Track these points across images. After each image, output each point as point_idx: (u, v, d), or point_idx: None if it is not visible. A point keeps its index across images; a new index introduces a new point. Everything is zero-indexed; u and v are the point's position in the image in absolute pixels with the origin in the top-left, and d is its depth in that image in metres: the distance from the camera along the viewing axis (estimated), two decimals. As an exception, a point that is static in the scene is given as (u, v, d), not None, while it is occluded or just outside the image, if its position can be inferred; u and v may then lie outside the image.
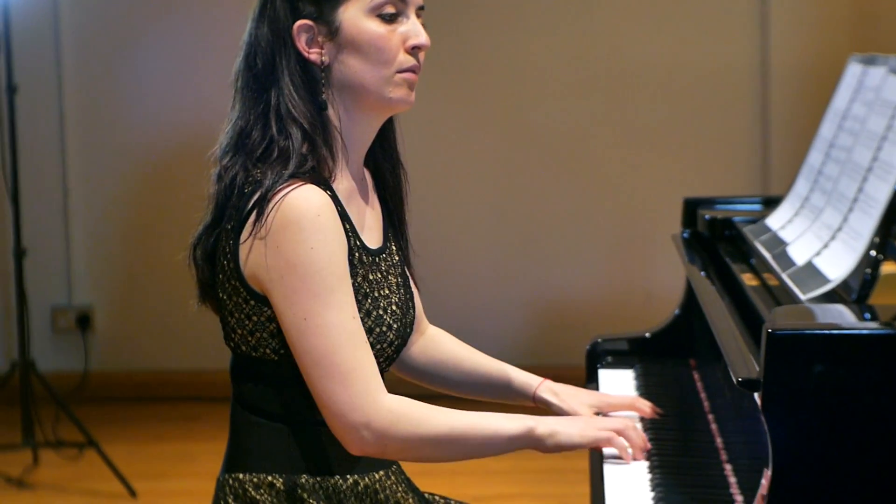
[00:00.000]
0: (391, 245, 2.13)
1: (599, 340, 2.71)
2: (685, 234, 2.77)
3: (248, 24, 2.04)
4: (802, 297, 1.95)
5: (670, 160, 5.03)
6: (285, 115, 1.97)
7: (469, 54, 5.01)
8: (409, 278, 2.16)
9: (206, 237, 2.02)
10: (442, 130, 5.04)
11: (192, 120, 4.74)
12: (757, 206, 2.83)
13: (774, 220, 2.44)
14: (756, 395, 1.71)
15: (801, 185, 2.44)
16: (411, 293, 2.15)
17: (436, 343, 2.33)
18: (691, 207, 2.77)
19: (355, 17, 1.98)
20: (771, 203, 2.69)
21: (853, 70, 2.41)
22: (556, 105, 5.03)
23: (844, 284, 1.95)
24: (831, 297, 1.95)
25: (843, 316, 1.80)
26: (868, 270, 1.89)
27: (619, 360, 2.70)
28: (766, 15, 4.94)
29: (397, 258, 2.13)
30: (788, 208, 2.43)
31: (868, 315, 1.83)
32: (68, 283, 5.14)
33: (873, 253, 1.90)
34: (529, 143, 5.05)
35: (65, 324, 5.16)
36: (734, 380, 1.75)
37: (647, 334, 2.70)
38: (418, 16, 2.04)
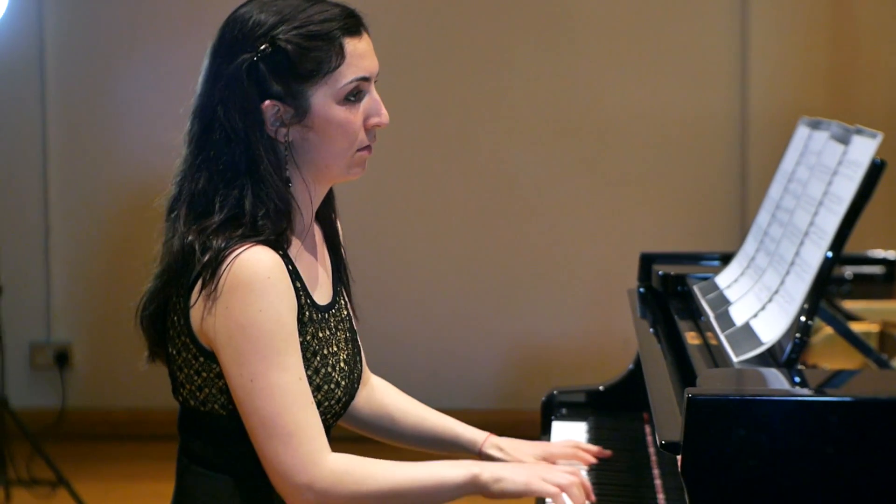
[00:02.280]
0: (340, 299, 2.17)
1: (555, 392, 2.73)
2: (641, 290, 2.80)
3: (201, 83, 2.05)
4: (735, 358, 1.98)
5: (647, 210, 5.05)
6: (252, 188, 1.98)
7: (447, 98, 5.04)
8: (357, 334, 2.19)
9: (154, 297, 2.04)
10: (417, 174, 5.07)
11: (173, 160, 4.76)
12: (715, 262, 2.86)
13: (723, 279, 2.47)
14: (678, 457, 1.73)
15: (749, 245, 2.47)
16: (359, 347, 2.19)
17: (380, 395, 2.36)
18: (647, 262, 2.81)
19: (324, 103, 2.01)
20: (728, 259, 2.72)
21: (801, 133, 2.44)
22: (533, 152, 5.06)
23: (778, 347, 1.98)
24: (764, 359, 1.98)
25: (767, 381, 1.83)
26: (797, 335, 1.92)
27: (574, 412, 2.72)
28: (746, 66, 4.98)
29: (345, 312, 2.17)
30: (736, 267, 2.46)
31: (797, 379, 1.86)
32: (47, 319, 5.17)
33: (803, 318, 1.92)
34: (506, 189, 5.08)
35: (43, 360, 5.18)
36: (658, 442, 1.77)
37: (601, 387, 2.73)
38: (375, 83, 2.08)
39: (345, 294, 2.20)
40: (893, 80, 4.93)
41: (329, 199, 2.19)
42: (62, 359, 5.15)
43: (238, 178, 1.99)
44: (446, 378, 5.05)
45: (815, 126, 2.37)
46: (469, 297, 5.12)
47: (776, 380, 1.84)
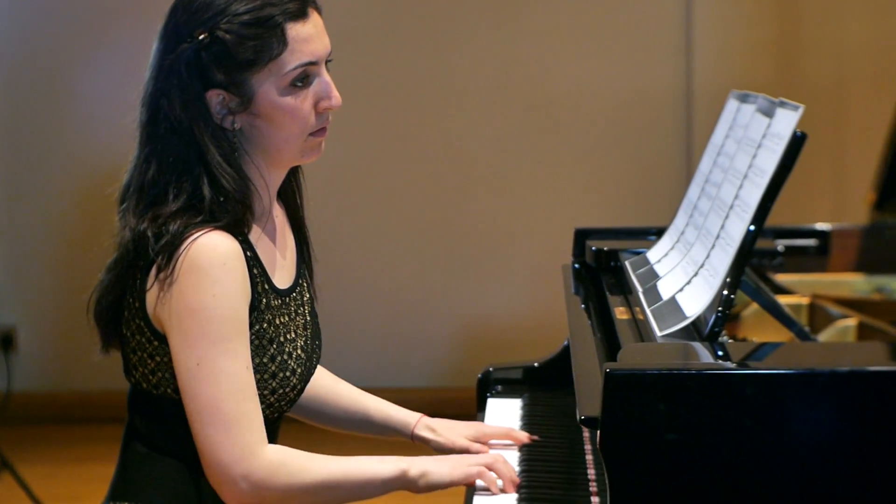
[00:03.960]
0: (303, 281, 2.16)
1: (490, 369, 2.72)
2: (575, 265, 2.79)
3: (149, 70, 2.02)
4: (658, 333, 1.98)
5: (594, 185, 5.06)
6: (207, 177, 1.97)
7: (393, 74, 5.03)
8: (317, 315, 2.18)
9: (109, 290, 2.02)
10: (362, 151, 5.05)
11: (125, 145, 4.73)
12: (652, 237, 2.86)
13: (653, 254, 2.46)
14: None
15: (679, 219, 2.47)
16: (318, 331, 2.19)
17: (314, 379, 2.35)
18: (581, 237, 2.80)
19: (269, 91, 1.98)
20: (663, 234, 2.71)
21: (731, 106, 2.44)
22: (479, 127, 5.05)
23: (702, 320, 1.97)
24: (688, 333, 1.97)
25: (686, 354, 1.83)
26: (720, 308, 1.91)
27: (509, 389, 2.71)
28: (690, 41, 4.98)
29: (307, 294, 2.17)
30: (667, 242, 2.46)
31: (720, 352, 1.86)
32: (-9, 302, 5.14)
33: (725, 292, 1.92)
34: (452, 165, 5.07)
35: (-14, 343, 5.14)
36: (578, 417, 1.77)
37: (536, 364, 2.72)
38: (327, 68, 2.05)
39: (307, 274, 2.18)
40: (838, 54, 4.94)
41: (291, 178, 2.16)
42: (7, 342, 5.11)
43: (189, 169, 1.97)
44: (393, 357, 5.04)
45: (743, 99, 2.37)
46: (416, 274, 5.11)
47: (695, 353, 1.84)
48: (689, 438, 1.68)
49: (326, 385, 2.35)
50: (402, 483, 2.04)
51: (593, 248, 2.69)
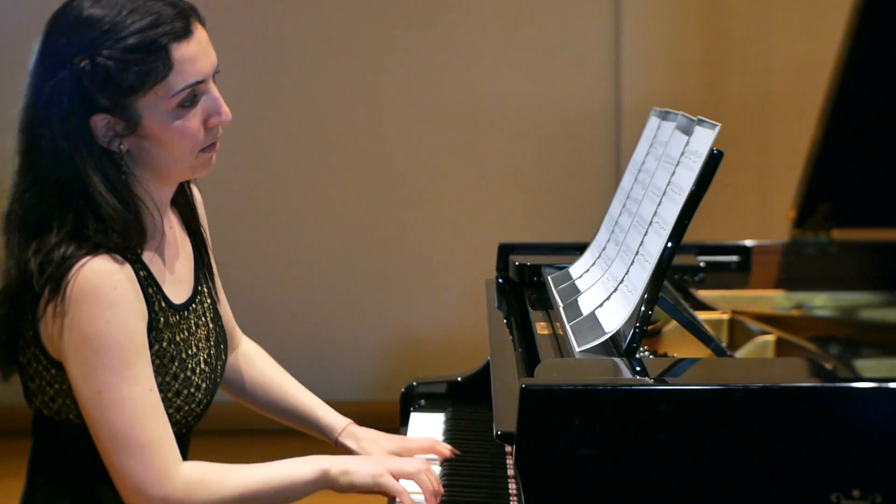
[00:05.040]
0: (203, 287, 2.14)
1: (414, 384, 2.73)
2: (499, 280, 2.80)
3: (26, 93, 1.95)
4: (577, 348, 1.99)
5: (521, 200, 5.08)
6: (90, 206, 1.93)
7: (322, 85, 5.02)
8: (221, 317, 2.16)
9: (2, 318, 1.98)
10: (292, 162, 5.05)
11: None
12: (575, 252, 2.87)
13: (575, 269, 2.48)
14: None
15: (601, 235, 2.48)
16: (223, 335, 2.16)
17: (249, 361, 2.35)
18: (505, 252, 2.81)
19: (156, 113, 1.93)
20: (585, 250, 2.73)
21: (652, 123, 2.46)
22: (408, 140, 5.06)
23: (621, 336, 1.98)
24: (606, 348, 1.98)
25: (602, 370, 1.84)
26: (637, 324, 1.93)
27: (432, 403, 2.72)
28: (619, 57, 5.02)
29: (209, 302, 2.14)
30: (589, 257, 2.47)
31: (637, 368, 1.87)
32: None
33: (643, 308, 1.93)
34: (381, 177, 5.08)
35: None
36: (495, 432, 1.77)
37: (459, 378, 2.73)
38: (214, 81, 2.00)
39: (207, 278, 2.17)
40: (764, 70, 5.00)
41: (181, 186, 2.13)
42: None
43: (72, 199, 1.92)
44: (318, 369, 5.02)
45: (664, 117, 2.39)
46: (342, 286, 5.10)
47: (611, 369, 1.85)
48: (605, 454, 1.70)
49: (260, 370, 2.35)
50: (324, 482, 2.03)
51: (517, 262, 2.70)
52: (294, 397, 2.34)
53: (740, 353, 2.54)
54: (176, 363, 2.02)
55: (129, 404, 1.91)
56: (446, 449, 2.32)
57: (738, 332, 2.64)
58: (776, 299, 2.96)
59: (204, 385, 2.06)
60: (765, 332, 2.56)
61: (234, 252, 4.96)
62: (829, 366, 1.85)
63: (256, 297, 4.98)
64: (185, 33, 1.93)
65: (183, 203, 2.16)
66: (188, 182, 2.16)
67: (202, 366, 2.07)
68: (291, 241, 5.08)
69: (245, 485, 1.98)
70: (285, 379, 2.36)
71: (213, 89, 1.99)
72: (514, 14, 5.02)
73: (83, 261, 1.90)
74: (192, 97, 1.96)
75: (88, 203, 1.93)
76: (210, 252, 2.20)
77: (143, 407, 1.92)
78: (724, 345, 2.19)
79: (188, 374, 2.04)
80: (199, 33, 1.96)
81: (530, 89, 5.03)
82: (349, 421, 2.35)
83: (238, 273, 4.96)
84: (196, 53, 1.94)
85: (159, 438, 1.93)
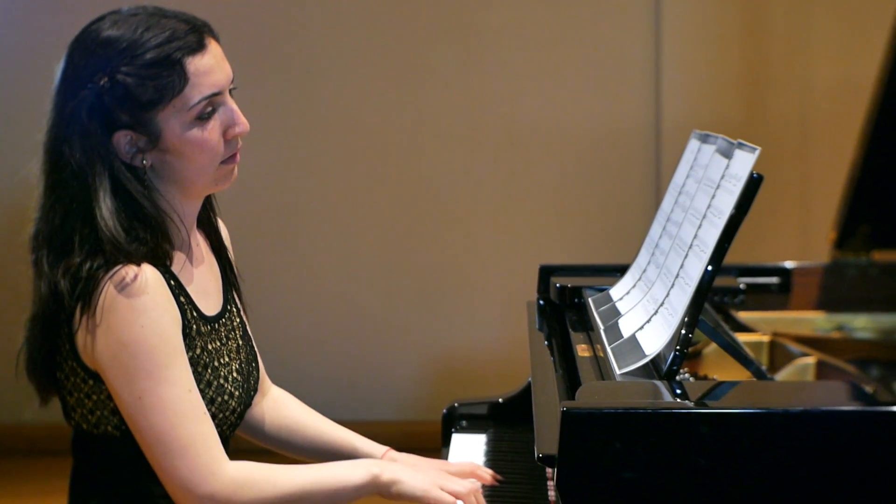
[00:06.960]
0: (231, 307, 2.17)
1: (456, 405, 2.74)
2: (540, 302, 2.81)
3: (50, 113, 2.01)
4: (618, 371, 2.00)
5: (562, 221, 5.08)
6: (116, 222, 1.96)
7: (363, 106, 5.04)
8: (251, 338, 2.19)
9: (39, 346, 2.02)
10: (332, 182, 5.07)
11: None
12: (615, 275, 2.88)
13: (616, 291, 2.49)
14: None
15: (641, 257, 2.49)
16: (254, 353, 2.19)
17: (279, 407, 2.36)
18: (546, 274, 2.82)
19: (176, 127, 1.99)
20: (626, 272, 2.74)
21: (692, 146, 2.47)
22: (448, 161, 5.07)
23: (661, 359, 1.99)
24: (647, 371, 1.99)
25: (643, 393, 1.84)
26: (678, 347, 1.94)
27: (474, 424, 2.73)
28: (659, 78, 5.02)
29: (237, 319, 2.17)
30: (629, 280, 2.49)
31: (677, 391, 1.88)
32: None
33: (683, 331, 1.94)
34: (421, 199, 5.09)
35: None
36: (536, 455, 1.79)
37: (501, 399, 2.74)
38: (231, 95, 2.05)
39: (236, 299, 2.20)
40: (804, 92, 5.00)
41: (207, 206, 2.18)
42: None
43: (93, 216, 1.96)
44: (359, 390, 5.05)
45: (704, 139, 2.40)
46: (384, 308, 5.12)
47: (651, 392, 1.86)
48: (646, 477, 1.70)
49: (293, 413, 2.35)
50: (373, 488, 2.05)
51: (557, 284, 2.71)
52: (329, 433, 2.35)
53: (780, 376, 2.54)
54: (209, 371, 2.04)
55: (170, 406, 1.93)
56: (487, 474, 2.32)
57: (778, 354, 2.64)
58: (817, 321, 2.96)
59: (237, 393, 2.09)
60: (805, 354, 2.56)
61: (275, 274, 5.00)
62: (869, 389, 1.85)
63: (298, 321, 5.01)
64: (198, 47, 1.99)
65: (209, 225, 2.20)
66: (214, 213, 2.20)
67: (234, 374, 2.09)
68: (332, 265, 5.10)
69: (294, 485, 2.00)
70: (317, 417, 2.37)
71: (231, 101, 2.04)
72: (553, 36, 5.04)
73: (113, 270, 1.94)
74: (209, 109, 2.00)
75: (114, 215, 1.96)
76: (238, 274, 2.22)
77: (184, 407, 1.94)
78: (764, 367, 2.19)
79: (221, 381, 2.06)
80: (213, 47, 2.02)
81: (570, 111, 5.04)
82: (387, 448, 2.36)
83: (279, 297, 5.00)
84: (210, 66, 2.00)
85: (202, 436, 1.95)
